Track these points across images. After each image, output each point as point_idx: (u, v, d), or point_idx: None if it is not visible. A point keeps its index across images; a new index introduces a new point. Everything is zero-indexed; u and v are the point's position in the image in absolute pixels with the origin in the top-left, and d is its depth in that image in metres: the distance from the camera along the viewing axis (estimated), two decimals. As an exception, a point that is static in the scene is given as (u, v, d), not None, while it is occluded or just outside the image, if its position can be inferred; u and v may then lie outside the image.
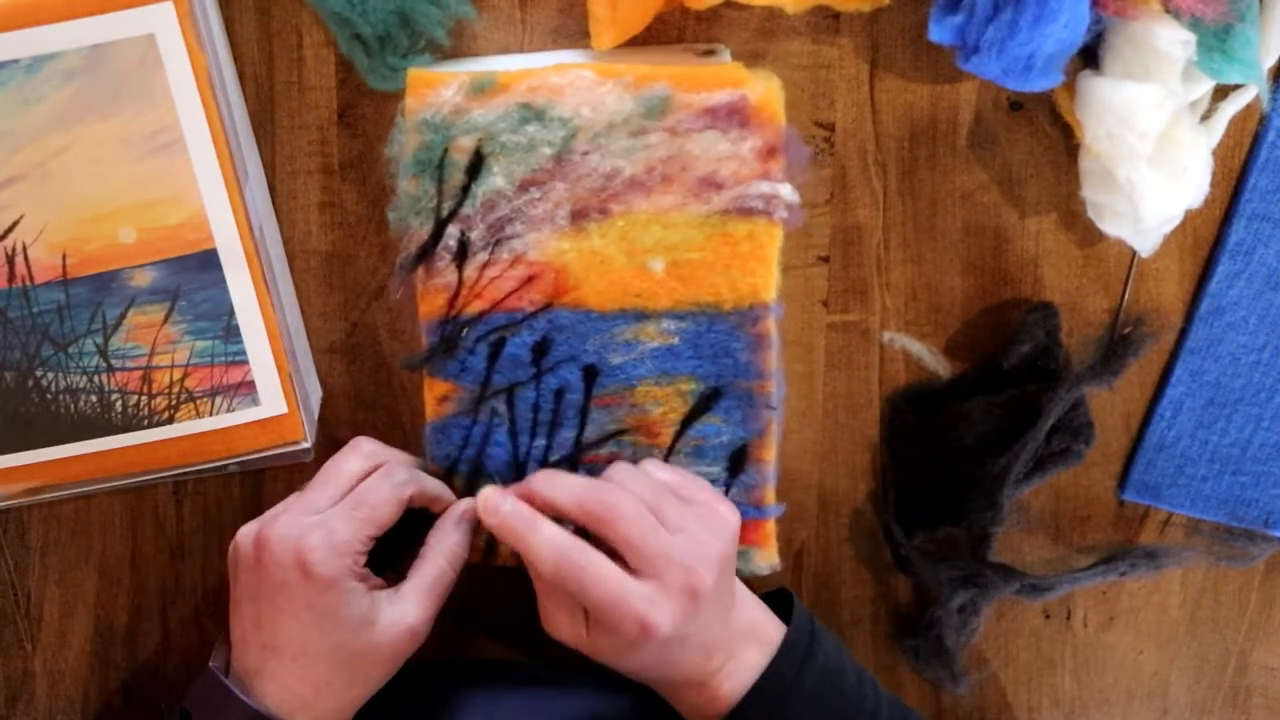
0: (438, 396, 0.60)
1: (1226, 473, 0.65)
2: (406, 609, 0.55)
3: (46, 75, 0.53)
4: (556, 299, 0.58)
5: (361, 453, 0.58)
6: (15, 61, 0.52)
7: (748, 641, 0.56)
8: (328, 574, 0.53)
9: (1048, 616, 0.69)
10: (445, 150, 0.56)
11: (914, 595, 0.68)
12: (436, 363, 0.59)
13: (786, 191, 0.57)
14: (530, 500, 0.55)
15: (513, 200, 0.57)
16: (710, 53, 0.58)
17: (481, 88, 0.55)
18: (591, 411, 0.60)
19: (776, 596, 0.61)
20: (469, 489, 0.60)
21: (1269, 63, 0.57)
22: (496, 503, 0.55)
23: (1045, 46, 0.52)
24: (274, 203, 0.60)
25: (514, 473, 0.61)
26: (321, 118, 0.59)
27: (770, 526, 0.62)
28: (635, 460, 0.59)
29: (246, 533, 0.55)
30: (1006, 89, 0.56)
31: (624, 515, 0.53)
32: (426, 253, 0.57)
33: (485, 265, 0.57)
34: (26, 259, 0.55)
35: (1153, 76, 0.55)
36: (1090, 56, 0.57)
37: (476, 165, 0.56)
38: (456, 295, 0.58)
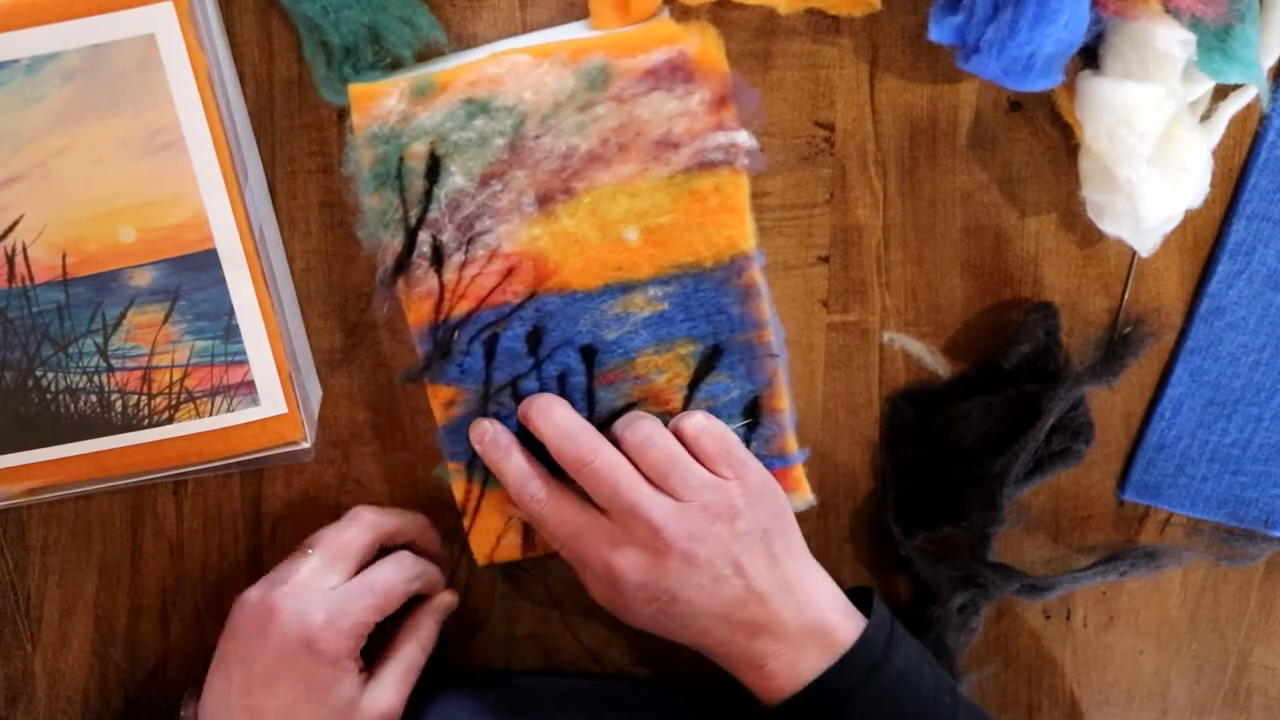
0: (443, 402, 0.60)
1: (1226, 473, 0.65)
2: (385, 694, 0.57)
3: (46, 75, 0.53)
4: (540, 286, 0.58)
5: (364, 524, 0.59)
6: (15, 61, 0.52)
7: (813, 639, 0.56)
8: (332, 652, 0.54)
9: (1048, 616, 0.69)
10: (400, 159, 0.56)
11: (914, 595, 0.68)
12: (435, 370, 0.59)
13: (744, 138, 0.56)
14: (524, 420, 0.58)
15: (476, 196, 0.56)
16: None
17: (422, 91, 0.55)
18: (597, 390, 0.60)
19: (856, 594, 0.60)
20: (490, 484, 0.61)
21: (1269, 63, 0.57)
22: (483, 429, 0.59)
23: (1045, 46, 0.52)
24: (274, 203, 0.60)
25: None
26: (321, 118, 0.59)
27: (798, 471, 0.62)
28: None
29: (252, 597, 0.56)
30: (1006, 89, 0.56)
31: (598, 470, 0.55)
32: (403, 264, 0.57)
33: (463, 265, 0.57)
34: (26, 259, 0.55)
35: (1153, 76, 0.55)
36: (1090, 56, 0.57)
37: (434, 168, 0.56)
38: (441, 300, 0.58)
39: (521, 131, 0.56)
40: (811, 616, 0.56)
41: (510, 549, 0.62)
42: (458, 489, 0.61)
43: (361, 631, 0.56)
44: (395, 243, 0.57)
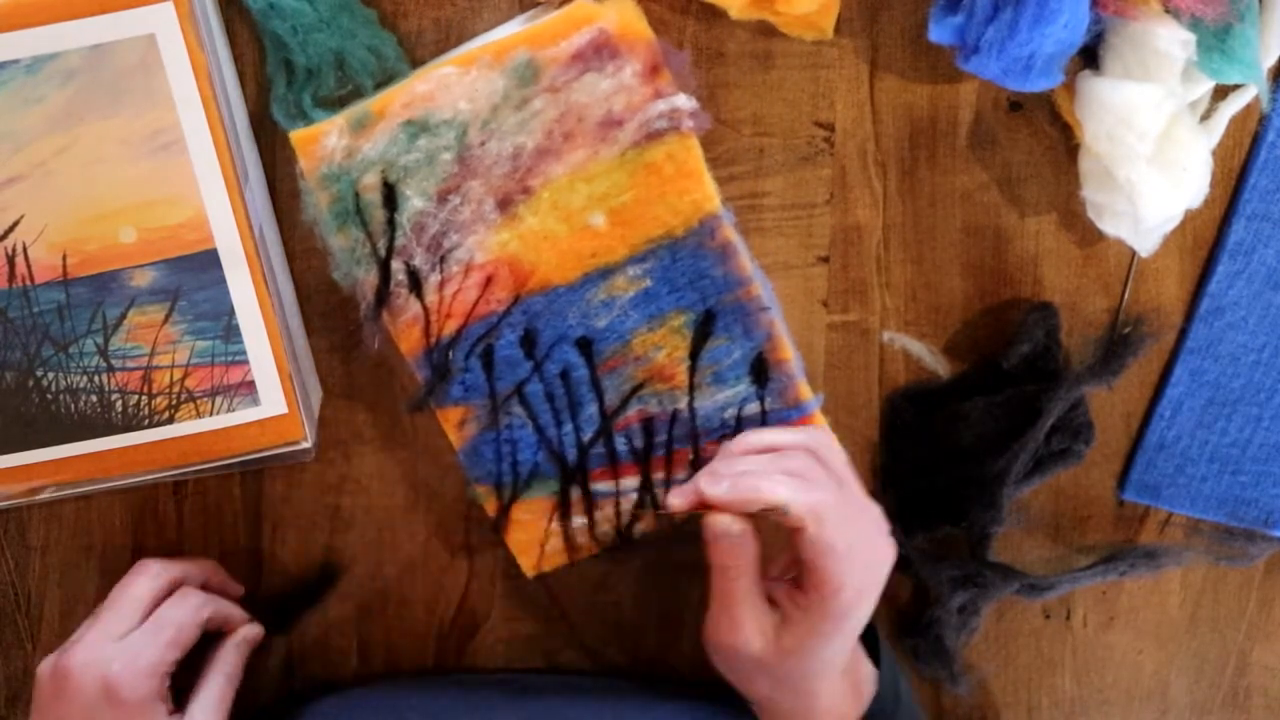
0: (455, 423, 0.60)
1: (1226, 472, 0.65)
2: None
3: (47, 75, 0.53)
4: (521, 289, 0.58)
5: (150, 574, 0.58)
6: (15, 61, 0.52)
7: (850, 678, 0.56)
8: (135, 698, 0.53)
9: (1048, 616, 0.69)
10: (355, 194, 0.56)
11: (914, 595, 0.68)
12: (439, 393, 0.59)
13: (683, 101, 0.56)
14: (707, 502, 0.53)
15: (438, 215, 0.56)
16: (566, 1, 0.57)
17: (360, 123, 0.55)
18: (602, 380, 0.60)
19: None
20: (517, 496, 0.61)
21: (1269, 63, 0.57)
22: (718, 479, 0.53)
23: (1045, 47, 0.52)
24: (274, 203, 0.60)
25: (555, 465, 0.61)
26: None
27: (818, 419, 0.61)
28: (664, 409, 0.59)
29: (44, 668, 0.55)
30: (1006, 89, 0.56)
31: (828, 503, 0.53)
32: (383, 296, 0.57)
33: (441, 285, 0.57)
34: (27, 259, 0.55)
35: (1153, 76, 0.55)
36: (1090, 56, 0.57)
37: (390, 196, 0.56)
38: (428, 323, 0.58)
39: (466, 142, 0.56)
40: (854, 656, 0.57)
41: (556, 556, 0.62)
42: (489, 508, 0.61)
43: (161, 670, 0.55)
44: (371, 277, 0.57)
